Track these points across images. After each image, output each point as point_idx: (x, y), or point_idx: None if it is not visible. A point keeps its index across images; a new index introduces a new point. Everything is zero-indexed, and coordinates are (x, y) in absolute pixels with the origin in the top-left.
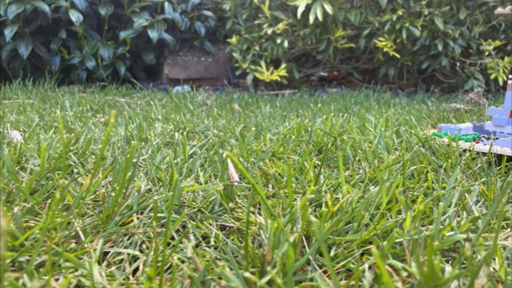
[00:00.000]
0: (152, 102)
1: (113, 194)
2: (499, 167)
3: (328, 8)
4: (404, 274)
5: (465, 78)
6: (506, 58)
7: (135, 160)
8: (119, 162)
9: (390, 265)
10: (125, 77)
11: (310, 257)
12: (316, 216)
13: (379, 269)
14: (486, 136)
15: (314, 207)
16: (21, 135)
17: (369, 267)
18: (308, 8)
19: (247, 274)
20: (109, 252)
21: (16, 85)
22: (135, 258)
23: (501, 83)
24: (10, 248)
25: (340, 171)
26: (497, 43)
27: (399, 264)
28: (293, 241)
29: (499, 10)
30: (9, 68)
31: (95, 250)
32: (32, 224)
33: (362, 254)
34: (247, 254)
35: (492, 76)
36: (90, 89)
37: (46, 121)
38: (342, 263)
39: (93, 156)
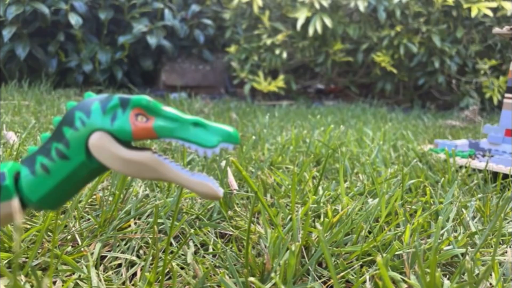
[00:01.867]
0: None
1: (110, 198)
2: (494, 184)
3: (328, 22)
4: (404, 286)
5: (460, 96)
6: (501, 78)
7: None
8: None
9: (390, 277)
10: (122, 82)
11: (309, 267)
12: (315, 227)
13: (380, 279)
14: (481, 153)
15: (313, 218)
16: (17, 135)
17: (369, 279)
18: (307, 21)
19: (252, 279)
20: (106, 256)
21: (12, 86)
22: (132, 264)
23: (495, 103)
24: (7, 249)
25: (340, 183)
26: (493, 62)
27: (398, 276)
28: (294, 249)
29: (497, 29)
30: (5, 68)
31: (92, 254)
32: (28, 226)
33: (361, 266)
34: (248, 262)
35: (487, 95)
36: (86, 92)
37: (42, 123)
38: (341, 274)
39: None
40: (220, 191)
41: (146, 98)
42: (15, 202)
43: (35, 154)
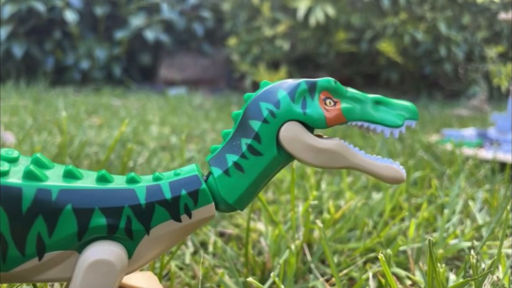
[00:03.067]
0: (148, 104)
1: None
2: (502, 173)
3: (330, 11)
4: (408, 282)
5: (467, 84)
6: (508, 65)
7: (132, 165)
8: (115, 165)
9: (394, 274)
10: (120, 78)
11: (312, 265)
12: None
13: (383, 277)
14: (489, 142)
15: (315, 214)
16: (14, 136)
17: (373, 275)
18: (309, 10)
19: (250, 279)
20: None
21: (9, 86)
22: None
23: (503, 90)
24: None
25: (343, 177)
26: (500, 48)
27: (402, 272)
28: (294, 248)
29: (503, 15)
30: (2, 68)
31: None
32: None
33: (364, 262)
34: (248, 261)
35: (495, 83)
36: (84, 90)
37: (39, 123)
38: (345, 271)
39: (88, 159)
40: (404, 173)
41: (332, 79)
42: (213, 207)
43: (223, 153)
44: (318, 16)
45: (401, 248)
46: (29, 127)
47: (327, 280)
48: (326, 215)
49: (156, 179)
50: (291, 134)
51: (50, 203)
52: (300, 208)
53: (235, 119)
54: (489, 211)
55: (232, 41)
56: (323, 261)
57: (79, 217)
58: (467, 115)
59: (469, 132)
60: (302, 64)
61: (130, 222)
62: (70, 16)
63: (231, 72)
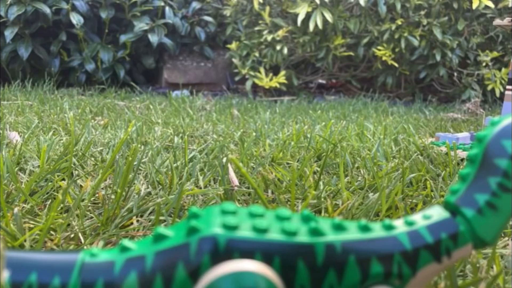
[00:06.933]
0: (151, 106)
1: (113, 196)
2: None
3: (328, 16)
4: None
5: (462, 88)
6: (503, 69)
7: (136, 163)
8: (120, 165)
9: None
10: (124, 81)
11: None
12: None
13: None
14: None
15: (314, 213)
16: (20, 136)
17: None
18: (308, 16)
19: None
20: None
21: (15, 86)
22: None
23: (498, 94)
24: (9, 248)
25: (341, 177)
26: (495, 54)
27: None
28: None
29: (498, 21)
30: (8, 69)
31: None
32: (31, 225)
33: None
34: None
35: (489, 87)
36: (89, 92)
37: (45, 123)
38: None
39: (93, 159)
40: None
41: None
42: (470, 247)
43: (469, 193)
44: (317, 21)
45: None
46: (35, 127)
47: None
48: (324, 215)
49: (410, 224)
50: None
51: (336, 256)
52: (299, 207)
53: (473, 159)
54: None
55: (233, 45)
56: None
57: (361, 267)
58: (461, 118)
59: (463, 135)
60: (300, 67)
61: (401, 267)
62: (76, 19)
63: (232, 75)
